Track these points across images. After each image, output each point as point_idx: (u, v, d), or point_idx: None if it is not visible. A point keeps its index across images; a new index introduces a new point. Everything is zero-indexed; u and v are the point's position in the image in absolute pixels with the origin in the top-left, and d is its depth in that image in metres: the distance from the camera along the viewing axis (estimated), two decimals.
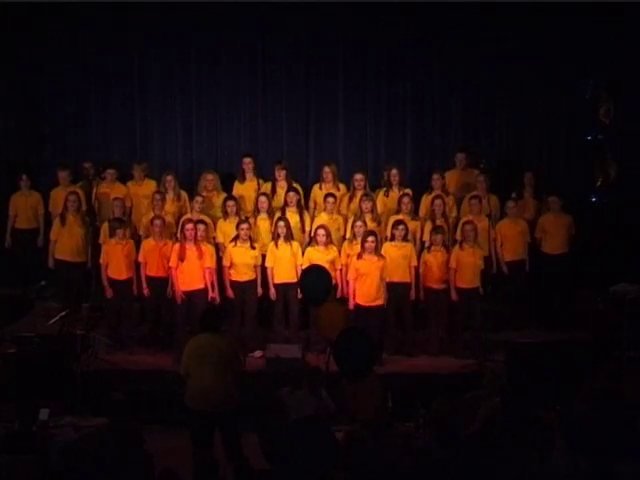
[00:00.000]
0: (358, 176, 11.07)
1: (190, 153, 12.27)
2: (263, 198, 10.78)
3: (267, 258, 10.31)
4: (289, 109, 12.17)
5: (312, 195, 11.30)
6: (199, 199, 10.81)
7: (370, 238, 9.94)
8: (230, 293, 10.30)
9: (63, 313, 9.79)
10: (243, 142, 12.20)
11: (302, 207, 10.87)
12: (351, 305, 10.04)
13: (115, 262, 10.26)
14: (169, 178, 11.17)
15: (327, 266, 9.94)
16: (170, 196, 11.10)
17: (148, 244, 10.34)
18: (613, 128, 11.25)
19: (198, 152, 12.27)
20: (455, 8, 11.46)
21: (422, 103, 12.13)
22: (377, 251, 10.00)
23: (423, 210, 11.07)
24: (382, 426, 7.42)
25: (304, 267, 10.03)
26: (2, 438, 6.95)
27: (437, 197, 10.85)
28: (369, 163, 12.08)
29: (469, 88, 12.05)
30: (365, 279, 9.97)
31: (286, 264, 10.23)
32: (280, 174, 11.16)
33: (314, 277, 9.56)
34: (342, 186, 11.24)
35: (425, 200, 11.10)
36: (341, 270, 10.26)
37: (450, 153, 11.95)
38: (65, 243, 10.85)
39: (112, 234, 10.40)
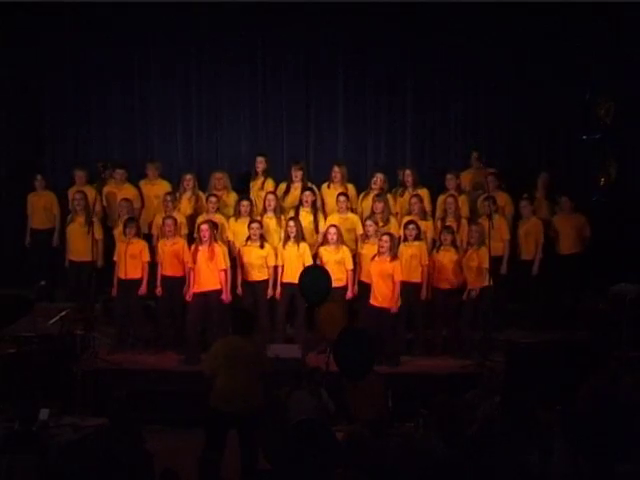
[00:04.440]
0: (380, 175, 11.02)
1: (190, 153, 12.26)
2: (271, 196, 10.75)
3: (277, 257, 10.31)
4: (289, 109, 12.16)
5: (321, 195, 11.25)
6: (213, 199, 10.74)
7: (385, 238, 9.94)
8: (239, 292, 10.29)
9: (63, 313, 9.79)
10: (243, 142, 12.19)
11: (317, 208, 10.84)
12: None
13: (119, 261, 10.26)
14: (188, 177, 11.11)
15: (336, 266, 10.00)
16: (187, 195, 11.06)
17: (162, 244, 10.34)
18: (613, 128, 11.24)
19: (198, 152, 12.25)
20: (455, 9, 11.45)
21: (422, 103, 12.10)
22: (392, 253, 9.96)
23: (438, 210, 11.05)
24: (382, 426, 7.42)
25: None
26: (2, 438, 6.95)
27: (449, 196, 10.86)
28: (369, 163, 12.06)
29: (469, 87, 12.04)
30: (377, 280, 9.95)
31: (293, 264, 10.18)
32: (297, 174, 11.12)
33: (313, 277, 9.55)
34: (350, 186, 11.22)
35: (440, 200, 11.09)
36: (353, 270, 10.25)
37: (450, 153, 11.98)
38: (72, 243, 10.88)
39: (125, 233, 10.37)
